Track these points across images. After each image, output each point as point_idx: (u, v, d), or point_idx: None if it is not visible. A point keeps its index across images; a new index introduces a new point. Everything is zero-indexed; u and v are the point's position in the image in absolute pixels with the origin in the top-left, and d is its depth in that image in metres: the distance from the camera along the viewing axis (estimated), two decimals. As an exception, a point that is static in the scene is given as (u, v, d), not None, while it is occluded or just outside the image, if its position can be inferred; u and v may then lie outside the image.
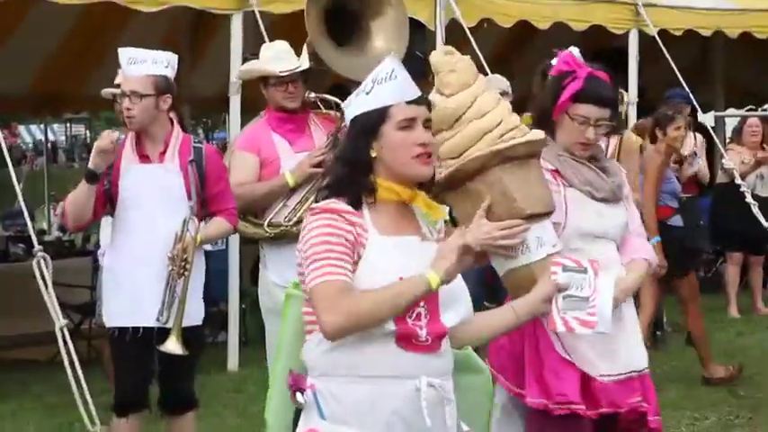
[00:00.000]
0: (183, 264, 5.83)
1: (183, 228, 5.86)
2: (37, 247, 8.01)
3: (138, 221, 5.87)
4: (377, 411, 3.37)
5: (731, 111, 16.47)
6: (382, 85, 3.46)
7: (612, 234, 4.48)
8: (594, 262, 3.78)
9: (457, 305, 3.52)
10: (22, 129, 35.82)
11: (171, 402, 6.13)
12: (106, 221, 6.42)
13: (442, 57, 4.16)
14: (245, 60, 7.72)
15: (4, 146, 9.24)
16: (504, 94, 9.23)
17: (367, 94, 3.47)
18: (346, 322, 3.32)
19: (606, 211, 4.43)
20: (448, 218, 3.70)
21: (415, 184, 3.53)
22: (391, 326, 3.35)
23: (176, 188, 5.92)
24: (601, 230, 4.42)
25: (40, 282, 7.70)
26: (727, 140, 14.00)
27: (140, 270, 5.84)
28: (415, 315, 3.39)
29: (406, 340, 3.39)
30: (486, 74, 9.87)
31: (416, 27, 10.49)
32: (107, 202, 5.97)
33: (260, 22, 9.51)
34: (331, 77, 6.98)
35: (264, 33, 8.93)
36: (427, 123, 3.52)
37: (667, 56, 11.48)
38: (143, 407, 6.09)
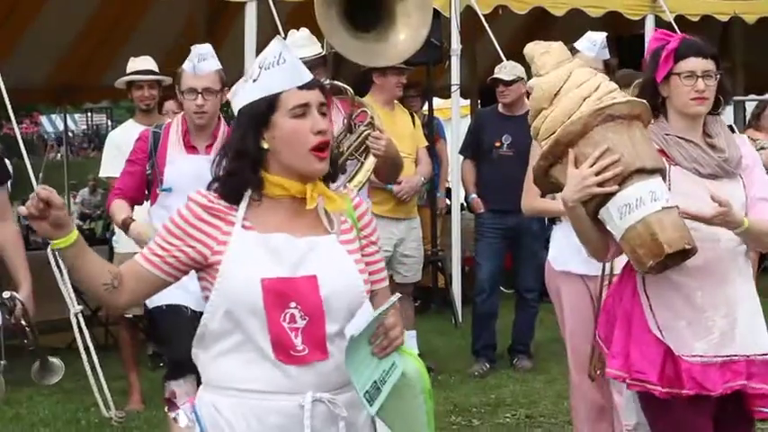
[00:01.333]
0: None
1: None
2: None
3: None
4: (259, 427, 3.16)
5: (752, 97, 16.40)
6: (270, 70, 3.18)
7: None
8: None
9: (345, 308, 3.20)
10: (43, 119, 35.94)
11: None
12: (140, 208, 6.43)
13: (534, 45, 4.23)
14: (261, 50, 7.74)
15: (19, 136, 9.32)
16: (520, 79, 9.27)
17: (254, 81, 3.19)
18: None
19: (716, 188, 4.22)
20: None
21: (307, 177, 3.24)
22: (264, 330, 3.14)
23: None
24: (710, 206, 4.21)
25: (55, 269, 7.76)
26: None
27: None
28: (288, 317, 3.14)
29: (284, 353, 3.14)
30: (500, 62, 9.91)
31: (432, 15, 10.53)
32: (146, 187, 6.16)
33: (273, 10, 9.54)
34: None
35: (278, 22, 8.97)
36: (322, 109, 3.24)
37: (683, 42, 11.45)
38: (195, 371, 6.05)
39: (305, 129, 3.19)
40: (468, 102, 15.93)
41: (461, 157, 10.01)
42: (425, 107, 11.45)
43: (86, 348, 7.88)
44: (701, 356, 4.21)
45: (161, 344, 6.24)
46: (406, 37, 6.38)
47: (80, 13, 13.09)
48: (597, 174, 3.99)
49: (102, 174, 8.29)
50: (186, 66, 6.04)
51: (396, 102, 8.90)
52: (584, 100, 4.05)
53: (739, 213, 4.19)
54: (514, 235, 9.30)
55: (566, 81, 4.10)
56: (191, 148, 6.08)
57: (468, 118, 12.94)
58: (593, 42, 5.95)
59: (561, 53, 4.18)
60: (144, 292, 3.31)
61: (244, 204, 3.21)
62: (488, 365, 9.28)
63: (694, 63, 4.30)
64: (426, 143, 9.34)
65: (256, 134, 3.19)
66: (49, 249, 7.95)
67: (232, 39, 12.09)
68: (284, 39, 6.51)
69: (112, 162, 7.74)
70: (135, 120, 8.44)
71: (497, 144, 9.32)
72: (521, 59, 9.77)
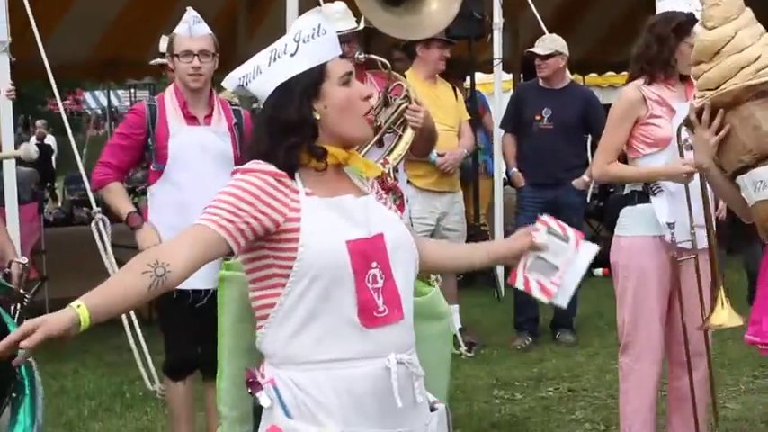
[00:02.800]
0: None
1: None
2: (95, 209, 8.12)
3: (189, 185, 5.86)
4: (346, 397, 3.14)
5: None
6: (311, 42, 3.19)
7: None
8: (580, 234, 3.65)
9: (402, 261, 3.27)
10: (87, 95, 36.12)
11: (212, 365, 6.17)
12: None
13: None
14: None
15: (64, 115, 9.38)
16: (558, 54, 9.23)
17: (292, 55, 3.18)
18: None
19: None
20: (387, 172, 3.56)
21: (352, 144, 3.30)
22: (351, 294, 3.13)
23: (226, 151, 5.95)
24: None
25: (99, 243, 7.82)
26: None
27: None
28: (371, 278, 3.16)
29: (368, 316, 3.15)
30: (543, 35, 9.86)
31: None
32: (142, 157, 6.04)
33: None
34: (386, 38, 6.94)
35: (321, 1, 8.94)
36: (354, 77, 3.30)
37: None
38: (196, 368, 6.14)
39: (355, 95, 3.23)
40: (510, 76, 15.87)
41: (502, 132, 9.98)
42: (467, 81, 11.41)
43: (130, 323, 7.94)
44: None
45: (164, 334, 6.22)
46: (438, 7, 6.35)
47: (122, -10, 13.15)
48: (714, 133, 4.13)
49: None
50: (180, 29, 5.97)
51: (437, 76, 8.86)
52: (742, 69, 4.09)
53: None
54: (555, 209, 9.24)
55: (728, 42, 4.12)
56: (191, 119, 5.98)
57: (511, 92, 12.91)
58: (688, 3, 5.76)
59: (731, 7, 4.17)
60: (204, 259, 3.15)
61: (297, 174, 3.20)
62: (531, 339, 9.28)
63: None
64: (469, 116, 9.31)
65: (309, 104, 3.18)
66: (92, 224, 8.03)
67: (273, 13, 12.10)
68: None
69: None
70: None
71: (537, 117, 9.28)
72: (563, 32, 9.81)
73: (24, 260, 4.91)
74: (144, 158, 6.04)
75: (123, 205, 6.04)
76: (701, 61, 4.18)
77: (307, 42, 3.19)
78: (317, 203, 3.17)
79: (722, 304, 5.05)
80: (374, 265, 3.16)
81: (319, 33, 3.21)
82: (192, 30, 5.93)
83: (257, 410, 3.21)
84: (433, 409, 3.35)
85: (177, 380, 6.10)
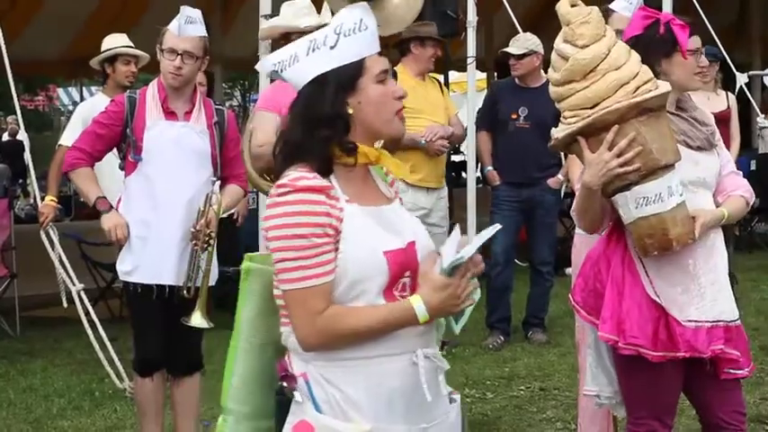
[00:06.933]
0: (206, 239, 5.86)
1: (206, 203, 5.86)
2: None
3: (162, 179, 5.85)
4: (376, 393, 3.16)
5: (768, 71, 16.33)
6: (352, 36, 3.17)
7: (709, 182, 4.54)
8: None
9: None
10: (60, 91, 35.99)
11: (180, 363, 6.16)
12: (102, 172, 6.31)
13: (571, 8, 4.15)
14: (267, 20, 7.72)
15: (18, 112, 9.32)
16: (533, 53, 9.23)
17: (332, 47, 3.15)
18: (319, 343, 3.11)
19: (702, 160, 4.49)
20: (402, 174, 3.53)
21: (382, 142, 3.29)
22: (381, 301, 3.14)
23: (203, 148, 5.95)
24: (697, 179, 4.47)
25: (50, 251, 7.86)
26: None
27: (163, 227, 5.86)
28: (400, 286, 3.18)
29: None
30: (517, 34, 9.86)
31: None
32: (116, 146, 6.00)
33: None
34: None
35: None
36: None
37: (701, 13, 11.39)
38: (164, 366, 6.12)
39: (390, 94, 3.21)
40: (484, 75, 15.89)
41: (474, 131, 9.96)
42: (441, 79, 11.39)
43: (92, 324, 7.90)
44: (696, 321, 4.41)
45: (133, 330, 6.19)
46: (399, 2, 6.34)
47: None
48: (621, 165, 4.11)
49: (64, 142, 8.17)
50: (172, 25, 5.92)
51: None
52: (622, 86, 4.08)
53: (717, 213, 4.49)
54: (529, 208, 9.29)
55: (603, 59, 4.09)
56: (170, 114, 5.94)
57: (485, 91, 12.90)
58: (630, 1, 5.80)
59: (600, 24, 4.14)
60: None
61: (333, 177, 3.17)
62: (503, 338, 9.28)
63: (696, 40, 4.56)
64: (457, 110, 9.27)
65: (344, 99, 3.16)
66: (41, 231, 8.05)
67: (247, 10, 12.08)
68: (287, 8, 6.49)
69: (77, 133, 7.73)
70: (106, 94, 8.32)
71: (514, 116, 9.28)
72: (538, 32, 9.81)
73: None
74: (121, 148, 6.00)
75: (92, 189, 5.99)
76: (572, 80, 4.11)
77: (348, 36, 3.17)
78: (356, 211, 3.15)
79: None
80: (407, 274, 3.19)
81: (360, 28, 3.18)
82: (182, 29, 5.88)
83: (282, 404, 3.22)
84: (451, 401, 3.40)
85: (146, 376, 6.08)
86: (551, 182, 9.25)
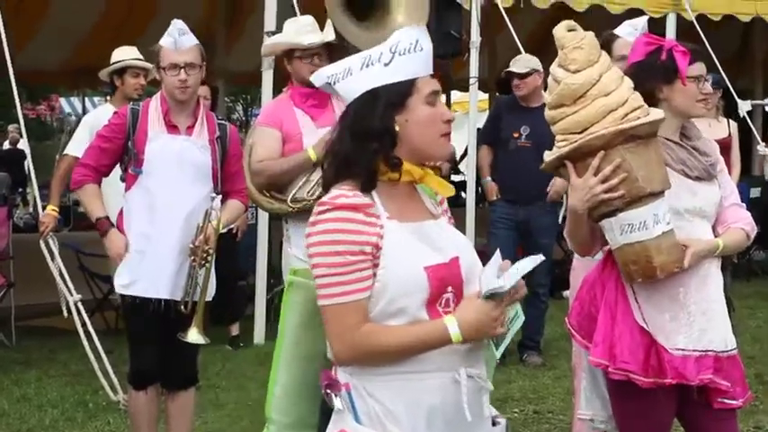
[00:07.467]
0: (204, 255, 5.86)
1: (205, 219, 5.86)
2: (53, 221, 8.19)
3: (162, 192, 5.85)
4: (416, 408, 3.19)
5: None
6: (407, 56, 3.24)
7: (707, 211, 4.53)
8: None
9: (473, 282, 3.31)
10: (62, 101, 36.01)
11: (175, 377, 6.16)
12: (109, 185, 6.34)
13: (567, 32, 4.16)
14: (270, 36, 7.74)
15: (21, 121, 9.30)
16: (535, 71, 9.24)
17: (386, 65, 3.23)
18: (352, 358, 3.18)
19: (700, 190, 4.48)
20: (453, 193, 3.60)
21: (427, 163, 3.34)
22: (424, 316, 3.18)
23: (204, 163, 5.95)
24: (694, 208, 4.47)
25: (50, 261, 7.84)
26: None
27: (161, 241, 5.86)
28: (444, 302, 3.22)
29: None
30: (519, 54, 9.87)
31: (452, 6, 10.48)
32: (120, 165, 6.01)
33: (293, -5, 9.50)
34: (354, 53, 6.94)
35: (297, 8, 8.94)
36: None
37: (705, 41, 11.40)
38: (159, 379, 6.11)
39: (438, 116, 3.27)
40: (486, 95, 15.91)
41: (475, 152, 9.97)
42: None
43: (88, 335, 7.89)
44: (683, 350, 4.41)
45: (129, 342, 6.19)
46: (403, 21, 6.34)
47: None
48: (605, 191, 4.11)
49: (69, 152, 8.22)
50: (165, 41, 5.92)
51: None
52: (610, 113, 4.08)
53: (711, 243, 4.46)
54: (526, 228, 9.28)
55: (594, 85, 4.10)
56: (172, 128, 5.94)
57: (487, 112, 12.92)
58: (635, 27, 5.79)
59: (593, 50, 4.14)
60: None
61: (375, 194, 3.23)
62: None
63: (700, 67, 4.52)
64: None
65: (393, 115, 3.22)
66: (41, 241, 8.05)
67: (252, 26, 12.10)
68: (290, 25, 6.49)
69: (82, 143, 7.75)
70: (113, 105, 8.36)
71: (515, 135, 9.30)
72: (541, 53, 9.82)
73: None
74: (123, 161, 6.00)
75: (96, 209, 6.01)
76: (562, 104, 4.14)
77: (403, 55, 3.24)
78: (397, 228, 3.21)
79: None
80: (449, 289, 3.23)
81: (416, 49, 3.25)
82: (178, 42, 5.89)
83: (325, 413, 3.26)
84: (494, 424, 3.40)
85: (140, 389, 6.07)
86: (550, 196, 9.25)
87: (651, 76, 4.41)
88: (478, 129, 9.99)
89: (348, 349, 3.16)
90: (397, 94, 3.22)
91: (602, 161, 4.08)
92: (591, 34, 4.19)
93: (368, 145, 3.21)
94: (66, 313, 8.07)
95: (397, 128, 3.22)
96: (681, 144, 4.50)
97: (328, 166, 3.30)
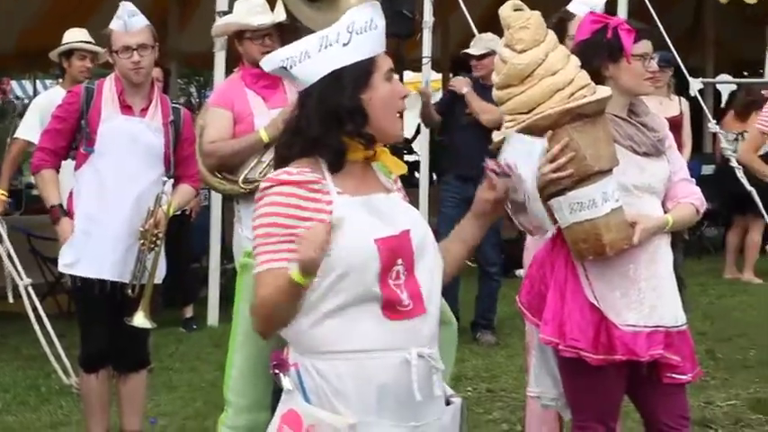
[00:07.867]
0: (153, 239, 5.84)
1: (155, 203, 5.85)
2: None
3: (113, 173, 5.84)
4: (366, 387, 3.21)
5: (722, 77, 16.45)
6: (364, 34, 3.27)
7: (656, 187, 4.56)
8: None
9: (426, 257, 3.36)
10: (14, 84, 35.73)
11: (126, 360, 6.14)
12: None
13: (513, 12, 4.16)
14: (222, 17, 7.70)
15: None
16: (494, 53, 9.22)
17: (345, 45, 3.25)
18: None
19: (648, 166, 4.52)
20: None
21: (385, 140, 3.36)
22: (376, 290, 3.20)
23: (157, 146, 5.94)
24: (643, 184, 4.50)
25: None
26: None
27: (109, 222, 5.83)
28: (394, 274, 3.24)
29: (391, 308, 3.23)
30: (473, 35, 9.87)
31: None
32: (73, 143, 5.99)
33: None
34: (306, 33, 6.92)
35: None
36: None
37: (656, 19, 11.42)
38: (110, 362, 6.10)
39: (396, 93, 3.32)
40: (440, 75, 15.91)
41: (428, 131, 9.96)
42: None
43: (39, 319, 7.84)
44: (633, 326, 4.45)
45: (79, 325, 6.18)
46: (356, 3, 6.32)
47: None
48: (554, 171, 4.10)
49: (19, 135, 8.20)
50: (115, 24, 5.90)
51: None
52: (557, 92, 4.10)
53: (660, 219, 4.50)
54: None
55: (540, 65, 4.10)
56: (126, 108, 5.92)
57: (440, 92, 12.91)
58: (587, 4, 5.55)
59: (539, 29, 4.14)
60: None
61: (327, 172, 3.26)
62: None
63: (646, 45, 4.55)
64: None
65: (359, 95, 3.25)
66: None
67: (204, 6, 12.03)
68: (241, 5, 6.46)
69: (32, 127, 7.70)
70: (63, 88, 8.34)
71: (469, 112, 9.28)
72: (495, 32, 9.80)
73: None
74: (75, 139, 5.99)
75: (51, 195, 6.01)
76: (510, 84, 4.16)
77: (360, 34, 3.27)
78: (347, 202, 3.24)
79: None
80: (399, 261, 3.25)
81: (371, 27, 3.29)
82: (128, 24, 5.87)
83: (277, 393, 3.28)
84: (448, 403, 3.41)
85: (91, 372, 6.05)
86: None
87: (597, 54, 4.43)
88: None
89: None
90: (362, 72, 3.26)
91: (549, 141, 4.08)
92: (537, 14, 4.18)
93: (340, 126, 3.24)
94: (11, 298, 8.02)
95: (365, 106, 3.26)
96: (629, 120, 4.52)
97: (290, 148, 3.30)
